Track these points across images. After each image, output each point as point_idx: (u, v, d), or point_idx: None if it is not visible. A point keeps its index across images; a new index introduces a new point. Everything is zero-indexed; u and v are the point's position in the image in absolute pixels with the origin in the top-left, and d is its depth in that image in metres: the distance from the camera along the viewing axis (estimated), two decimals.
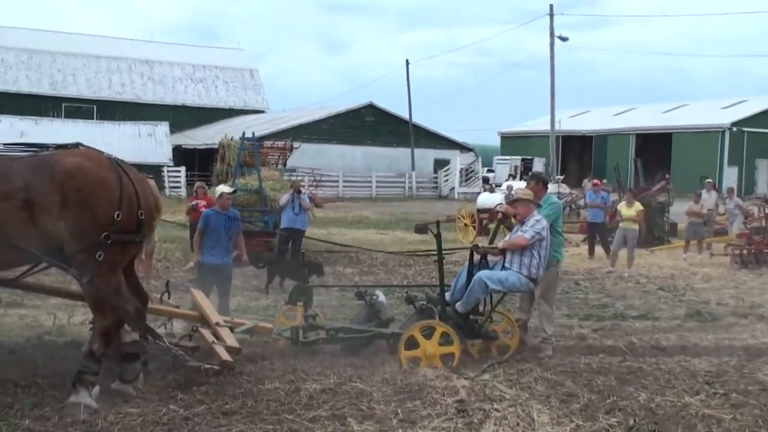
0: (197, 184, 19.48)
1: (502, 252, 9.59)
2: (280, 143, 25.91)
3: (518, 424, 7.10)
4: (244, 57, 72.76)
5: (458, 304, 9.34)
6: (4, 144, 7.84)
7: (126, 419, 6.92)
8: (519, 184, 27.91)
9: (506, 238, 10.00)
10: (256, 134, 22.95)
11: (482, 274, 9.25)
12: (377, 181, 54.30)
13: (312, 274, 14.18)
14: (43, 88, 61.45)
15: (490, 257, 9.75)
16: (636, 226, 18.64)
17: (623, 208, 19.01)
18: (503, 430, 7.00)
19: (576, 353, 10.04)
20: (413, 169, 55.92)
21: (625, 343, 10.83)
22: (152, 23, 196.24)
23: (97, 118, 58.54)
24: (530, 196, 9.93)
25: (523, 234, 9.39)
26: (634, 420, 7.29)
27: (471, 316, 9.48)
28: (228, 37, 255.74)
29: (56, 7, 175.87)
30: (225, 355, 8.28)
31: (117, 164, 7.47)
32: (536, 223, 9.48)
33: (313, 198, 21.20)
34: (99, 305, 7.33)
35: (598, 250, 20.87)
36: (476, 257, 9.63)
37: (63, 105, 60.95)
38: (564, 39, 46.86)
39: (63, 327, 11.00)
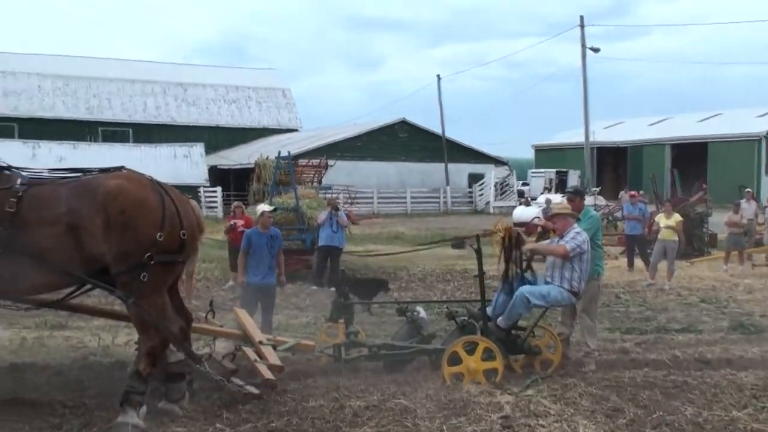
0: (235, 203, 19.65)
1: (532, 253, 9.54)
2: (315, 161, 26.01)
3: None
4: (276, 77, 73.11)
5: (500, 319, 9.31)
6: (50, 170, 7.95)
7: None
8: (556, 197, 27.78)
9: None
10: (291, 153, 23.04)
11: (524, 289, 9.22)
12: (412, 197, 54.31)
13: (379, 290, 14.20)
14: (80, 113, 62.10)
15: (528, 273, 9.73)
16: (675, 238, 18.45)
17: (662, 219, 18.84)
18: None
19: (620, 367, 9.96)
20: (447, 183, 55.88)
21: (669, 356, 10.74)
22: (183, 46, 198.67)
23: (133, 141, 59.10)
24: (568, 210, 9.90)
25: (565, 244, 9.35)
26: None
27: (513, 331, 9.46)
28: (258, 58, 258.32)
29: (89, 33, 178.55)
30: (267, 374, 8.32)
31: (159, 185, 7.55)
32: (577, 235, 9.44)
33: (350, 215, 21.26)
34: (144, 326, 7.39)
35: (638, 262, 20.70)
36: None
37: (99, 129, 61.55)
38: (596, 50, 46.62)
39: (107, 348, 11.13)
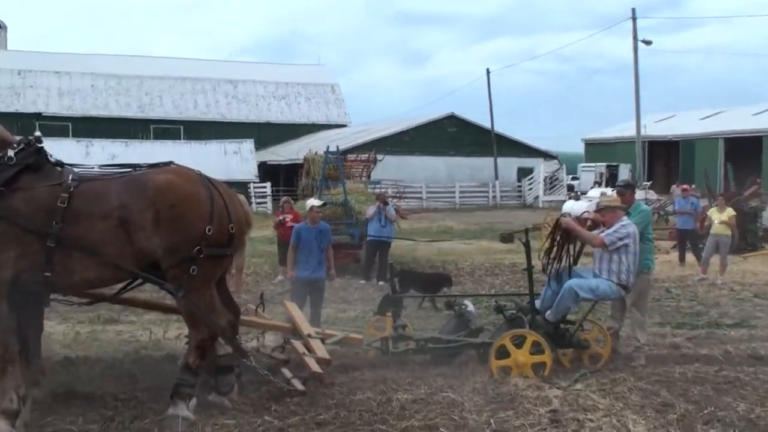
0: (283, 199, 19.83)
1: (567, 231, 9.44)
2: (364, 156, 26.07)
3: None
4: (325, 72, 73.30)
5: (548, 312, 9.25)
6: (100, 166, 8.06)
7: (222, 430, 7.05)
8: (607, 191, 27.53)
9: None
10: (340, 148, 23.11)
11: (572, 282, 9.15)
12: (460, 191, 54.14)
13: (442, 286, 14.23)
14: (132, 112, 62.94)
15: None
16: (728, 232, 18.23)
17: (714, 214, 18.61)
18: None
19: (670, 362, 9.83)
20: (496, 178, 55.60)
21: (721, 352, 10.57)
22: (232, 44, 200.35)
23: (184, 138, 59.78)
24: (616, 203, 9.80)
25: (604, 237, 9.25)
26: (734, 431, 7.09)
27: (561, 325, 9.40)
28: (307, 54, 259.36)
29: (141, 32, 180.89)
30: (315, 367, 8.36)
31: (207, 180, 7.62)
32: (621, 228, 9.32)
33: (398, 209, 21.29)
34: (194, 319, 7.46)
35: (689, 257, 20.44)
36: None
37: (151, 127, 62.33)
38: (648, 42, 45.99)
39: (159, 341, 11.26)
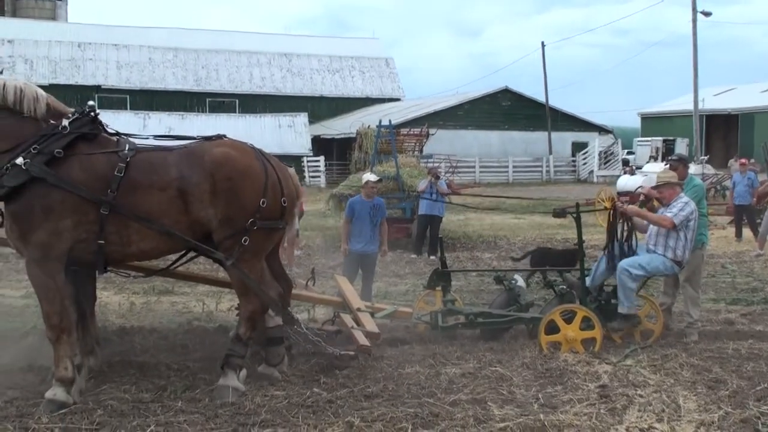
0: None
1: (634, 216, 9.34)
2: (416, 130, 26.02)
3: (663, 411, 6.89)
4: (379, 46, 73.13)
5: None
6: (154, 136, 8.15)
7: (272, 401, 7.10)
8: (657, 166, 27.15)
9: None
10: (393, 122, 23.08)
11: (623, 264, 9.03)
12: (514, 166, 53.86)
13: (574, 259, 14.21)
14: (188, 85, 63.41)
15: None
16: None
17: None
18: (648, 416, 6.80)
19: (723, 338, 9.66)
20: (550, 152, 55.14)
21: None
22: (287, 18, 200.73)
23: (239, 112, 60.24)
24: (675, 179, 9.66)
25: (673, 217, 9.12)
26: None
27: (612, 300, 9.31)
28: (361, 27, 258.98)
29: (197, 5, 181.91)
30: (363, 340, 8.38)
31: (260, 153, 7.69)
32: (685, 206, 9.19)
33: (450, 184, 21.22)
34: (245, 290, 7.54)
35: (746, 232, 20.10)
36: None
37: (207, 100, 62.82)
38: (707, 14, 45.11)
39: (211, 313, 11.41)
